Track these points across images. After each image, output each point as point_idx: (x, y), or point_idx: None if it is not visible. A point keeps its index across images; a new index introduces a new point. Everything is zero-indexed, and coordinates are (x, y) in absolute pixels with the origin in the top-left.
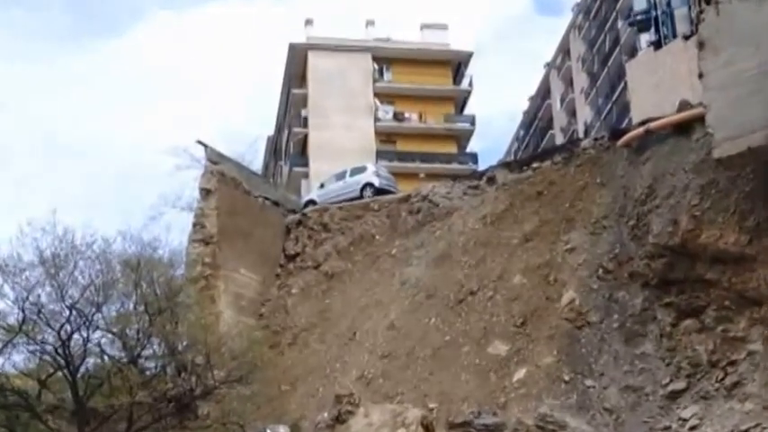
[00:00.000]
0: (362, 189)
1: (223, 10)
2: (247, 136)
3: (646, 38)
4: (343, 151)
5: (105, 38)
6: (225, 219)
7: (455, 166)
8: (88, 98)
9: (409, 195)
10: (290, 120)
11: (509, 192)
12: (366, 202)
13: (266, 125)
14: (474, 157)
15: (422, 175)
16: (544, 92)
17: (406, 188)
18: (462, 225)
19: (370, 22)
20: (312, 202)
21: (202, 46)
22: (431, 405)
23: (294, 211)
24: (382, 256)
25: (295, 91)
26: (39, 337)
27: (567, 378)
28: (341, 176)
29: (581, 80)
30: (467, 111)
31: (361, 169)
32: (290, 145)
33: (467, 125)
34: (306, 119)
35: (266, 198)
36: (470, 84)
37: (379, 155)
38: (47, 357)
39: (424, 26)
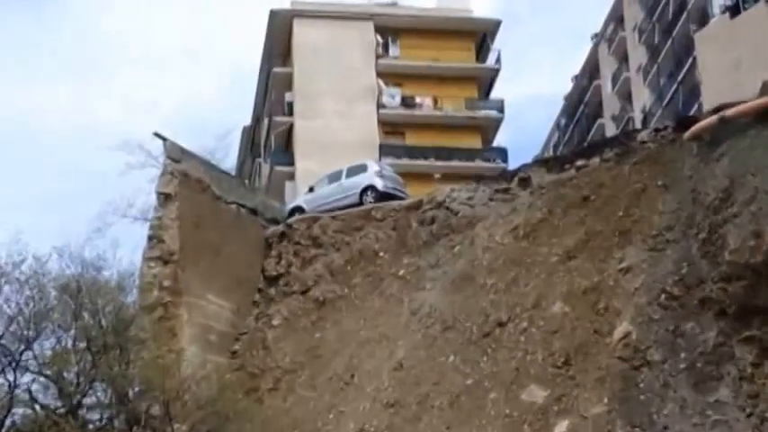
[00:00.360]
0: (362, 193)
1: None
2: (218, 126)
3: (719, 1)
4: (338, 146)
5: None
6: (189, 231)
7: (479, 164)
8: (17, 73)
9: (421, 201)
10: (270, 106)
11: (547, 197)
12: (367, 210)
13: (242, 113)
14: (503, 153)
15: (437, 176)
16: (591, 70)
17: (418, 192)
18: (488, 239)
19: None
20: (299, 209)
21: (163, 13)
22: None
23: (276, 222)
24: (387, 278)
25: (277, 70)
26: None
27: None
28: (335, 178)
29: (638, 55)
30: (493, 95)
31: (361, 168)
32: (270, 138)
33: (493, 113)
34: (290, 105)
35: (241, 205)
36: (498, 61)
37: (384, 150)
38: None
39: None
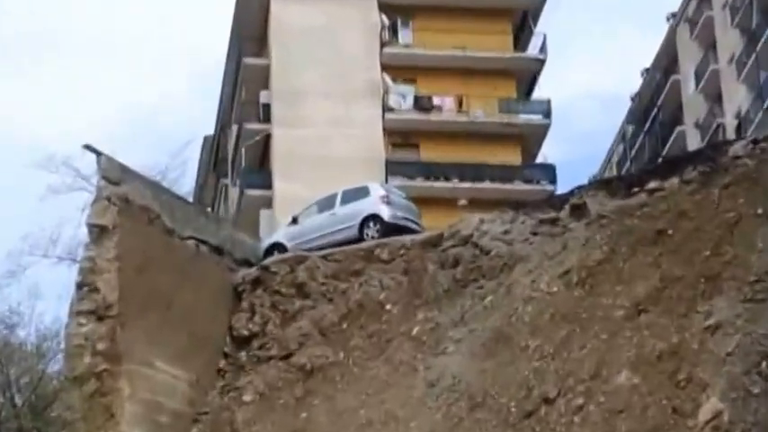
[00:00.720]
0: (363, 226)
1: None
2: (171, 137)
3: None
4: (331, 162)
5: None
6: (131, 276)
7: (518, 185)
8: None
9: (441, 236)
10: (240, 110)
11: (610, 230)
12: (369, 249)
13: (202, 119)
14: (550, 172)
15: (462, 202)
16: (667, 62)
17: (436, 224)
18: (531, 286)
19: None
20: (279, 247)
21: None
22: None
23: (248, 263)
24: (396, 339)
25: (249, 61)
26: None
27: None
28: (327, 205)
29: (730, 42)
30: (536, 94)
31: (361, 193)
32: (240, 152)
33: (537, 117)
34: (267, 108)
35: (201, 241)
36: (543, 49)
37: (392, 168)
38: None
39: None
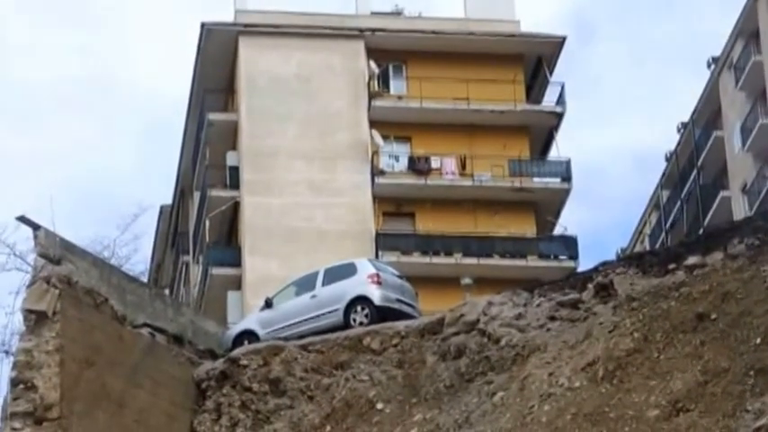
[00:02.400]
0: (349, 310)
1: None
2: (122, 206)
3: None
4: (310, 235)
5: None
6: (75, 372)
7: (533, 262)
8: None
9: (442, 321)
10: (203, 175)
11: (641, 315)
12: (357, 337)
13: (159, 184)
14: (570, 245)
15: (466, 281)
16: (709, 115)
17: (436, 307)
18: (548, 381)
19: None
20: (250, 335)
21: (43, 29)
22: None
23: (214, 355)
24: None
25: (213, 117)
26: None
27: None
28: (307, 285)
29: None
30: (553, 153)
31: (348, 271)
32: (203, 223)
33: (555, 181)
34: (235, 171)
35: (157, 329)
36: (561, 101)
37: (383, 242)
38: None
39: None
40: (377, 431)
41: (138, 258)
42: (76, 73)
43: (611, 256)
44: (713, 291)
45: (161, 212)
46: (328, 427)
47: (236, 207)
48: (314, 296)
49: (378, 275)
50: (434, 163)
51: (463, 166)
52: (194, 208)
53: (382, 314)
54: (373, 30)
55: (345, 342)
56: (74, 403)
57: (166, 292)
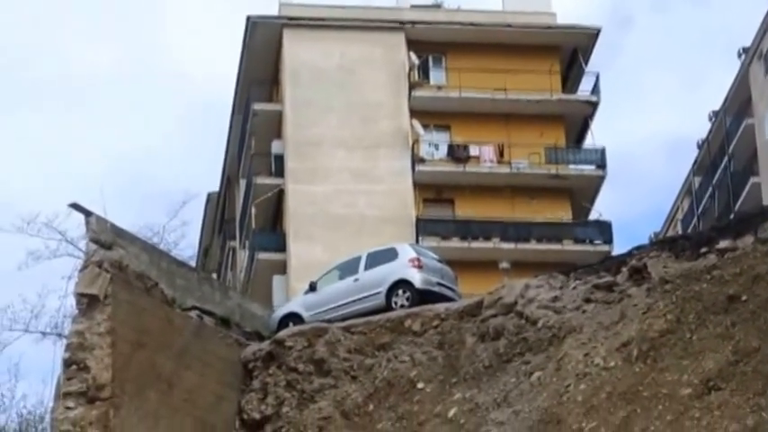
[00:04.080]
0: (391, 293)
1: None
2: (170, 194)
3: None
4: (353, 222)
5: None
6: (126, 353)
7: (568, 246)
8: None
9: (481, 304)
10: (249, 163)
11: (674, 297)
12: (398, 319)
13: (206, 173)
14: (605, 230)
15: (504, 265)
16: (740, 103)
17: (475, 290)
18: (584, 361)
19: None
20: (295, 317)
21: (80, 25)
22: None
23: (260, 337)
24: (430, 423)
25: (258, 107)
26: None
27: None
28: (349, 270)
29: None
30: (588, 141)
31: (389, 255)
32: (249, 210)
33: (590, 168)
34: (280, 160)
35: (206, 312)
36: (596, 90)
37: (423, 227)
38: None
39: None
40: (417, 410)
41: (185, 244)
42: (129, 61)
43: (645, 241)
44: (744, 273)
45: (208, 200)
46: (371, 406)
47: (280, 194)
48: (356, 280)
49: (418, 259)
50: (473, 151)
51: (501, 154)
52: (240, 195)
53: (423, 297)
54: (414, 22)
55: (387, 324)
56: (125, 384)
57: (214, 276)
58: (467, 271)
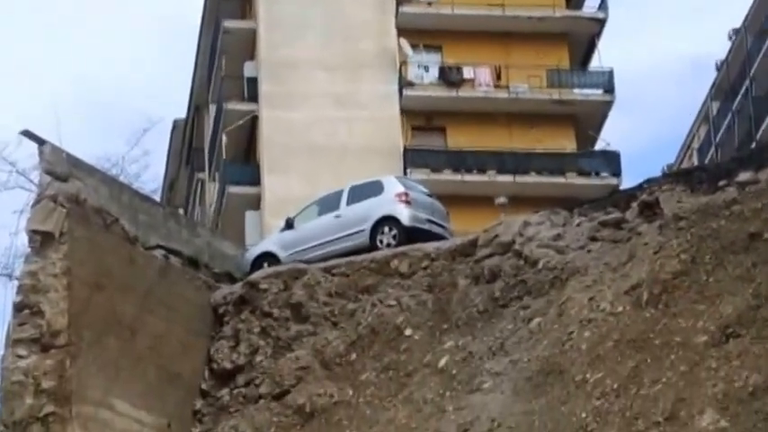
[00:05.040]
0: (375, 230)
1: None
2: (133, 122)
3: None
4: (334, 152)
5: None
6: (84, 296)
7: (572, 179)
8: None
9: (475, 243)
10: (219, 87)
11: (689, 235)
12: (384, 259)
13: (172, 98)
14: (612, 161)
15: (501, 200)
16: (763, 20)
17: (469, 227)
18: (589, 306)
19: None
20: (269, 257)
21: None
22: None
23: (232, 279)
24: (419, 373)
25: (230, 25)
26: None
27: None
28: (330, 205)
29: None
30: (594, 63)
31: (374, 189)
32: (220, 139)
33: (596, 93)
34: (253, 84)
35: (171, 251)
36: (603, 6)
37: (412, 158)
38: None
39: None
40: (405, 359)
41: (149, 176)
42: None
43: (657, 173)
44: (766, 209)
45: (174, 127)
46: (353, 355)
47: (254, 121)
48: (338, 216)
49: (406, 194)
50: (467, 73)
51: (498, 77)
52: (210, 122)
53: (411, 235)
54: None
55: (372, 265)
56: (82, 330)
57: (181, 211)
58: (460, 206)
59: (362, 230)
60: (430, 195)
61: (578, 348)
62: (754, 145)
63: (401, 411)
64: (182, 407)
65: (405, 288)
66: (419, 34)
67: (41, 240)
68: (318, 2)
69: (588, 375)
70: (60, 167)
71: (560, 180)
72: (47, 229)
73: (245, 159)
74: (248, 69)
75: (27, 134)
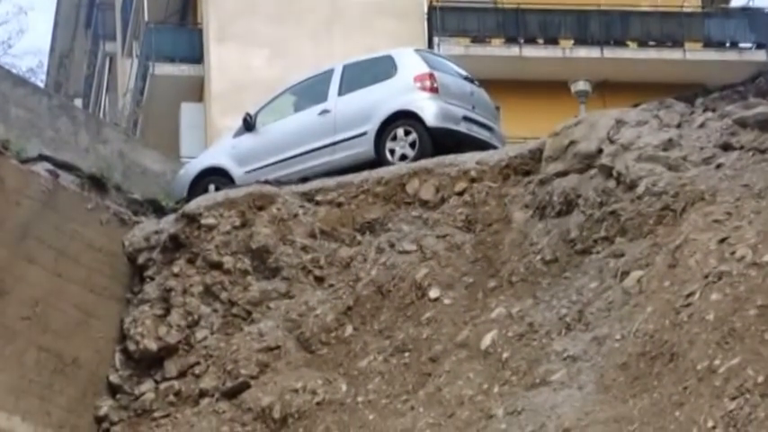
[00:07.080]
0: (383, 134)
1: None
2: None
3: None
4: (320, 10)
5: None
6: None
7: (693, 54)
8: None
9: (540, 153)
10: None
11: None
12: (398, 179)
13: None
14: (757, 25)
15: (581, 86)
16: None
17: (531, 129)
18: (719, 254)
19: None
20: (218, 175)
21: None
22: None
23: (159, 209)
24: (450, 355)
25: None
26: None
27: None
28: (313, 94)
29: None
30: None
31: (381, 68)
32: None
33: None
34: None
35: (62, 165)
36: None
37: (441, 20)
38: None
39: None
40: (430, 336)
41: (26, 46)
42: None
43: None
44: None
45: None
46: (349, 329)
47: None
48: (325, 111)
49: (431, 76)
50: None
51: None
52: None
53: (439, 141)
54: None
55: (378, 188)
56: None
57: (77, 104)
58: (516, 96)
59: (363, 134)
60: (469, 79)
61: (702, 319)
62: None
63: (423, 416)
64: (78, 410)
65: (429, 225)
66: None
67: None
68: None
69: (717, 362)
70: None
71: (675, 55)
72: None
73: (179, 22)
74: None
75: None
